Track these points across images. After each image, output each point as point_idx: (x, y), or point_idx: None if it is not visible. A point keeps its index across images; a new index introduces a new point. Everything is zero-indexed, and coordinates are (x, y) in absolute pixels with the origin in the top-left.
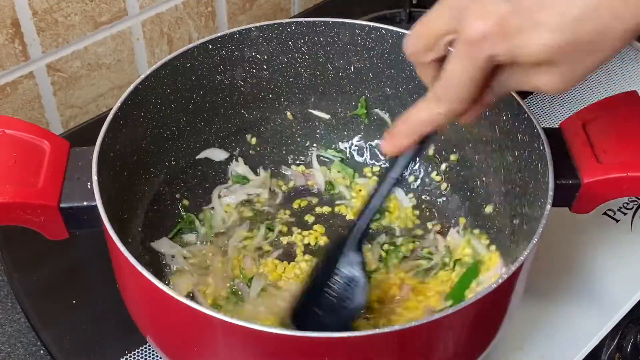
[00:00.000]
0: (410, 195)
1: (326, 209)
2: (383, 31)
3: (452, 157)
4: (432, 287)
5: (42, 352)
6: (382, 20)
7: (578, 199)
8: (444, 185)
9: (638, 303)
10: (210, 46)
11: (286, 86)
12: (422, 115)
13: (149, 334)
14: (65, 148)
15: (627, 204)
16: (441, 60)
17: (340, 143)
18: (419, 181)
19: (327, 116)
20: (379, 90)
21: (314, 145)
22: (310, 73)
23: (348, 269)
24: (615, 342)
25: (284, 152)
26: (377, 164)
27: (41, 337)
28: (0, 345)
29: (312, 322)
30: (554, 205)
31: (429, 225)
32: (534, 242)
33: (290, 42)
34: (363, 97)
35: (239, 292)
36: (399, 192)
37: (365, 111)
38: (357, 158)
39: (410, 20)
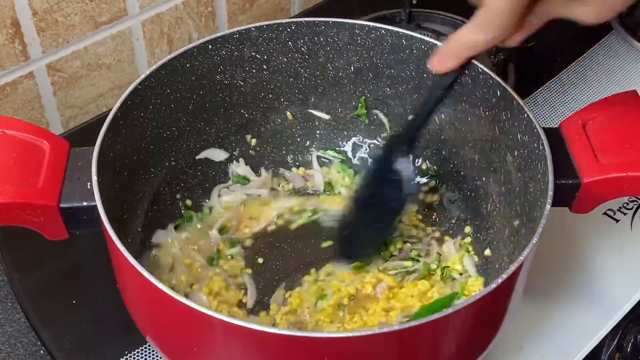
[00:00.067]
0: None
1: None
2: (383, 31)
3: (452, 157)
4: (403, 296)
5: (42, 352)
6: (382, 20)
7: (578, 199)
8: (443, 186)
9: (638, 303)
10: (210, 46)
11: (286, 86)
12: (466, 40)
13: (149, 334)
14: (65, 148)
15: (627, 204)
16: None
17: (340, 143)
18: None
19: (327, 116)
20: (379, 90)
21: (314, 145)
22: (310, 73)
23: (401, 167)
24: (615, 342)
25: (283, 152)
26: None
27: (41, 337)
28: (0, 345)
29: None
30: (553, 205)
31: (429, 230)
32: (534, 242)
33: (290, 42)
34: (363, 97)
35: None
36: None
37: (365, 111)
38: (357, 158)
39: (410, 20)
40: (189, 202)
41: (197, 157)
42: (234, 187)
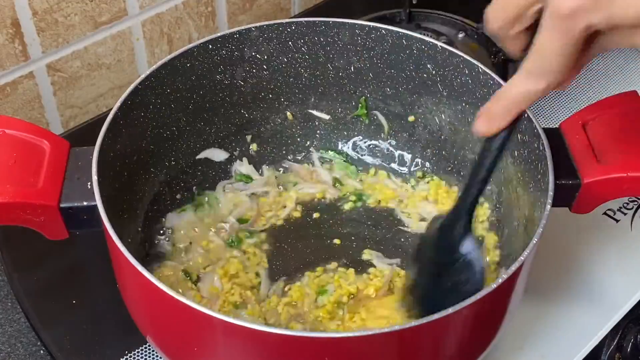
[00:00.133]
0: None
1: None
2: (383, 31)
3: (452, 157)
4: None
5: (42, 352)
6: (382, 20)
7: (578, 199)
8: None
9: (638, 303)
10: (210, 46)
11: (286, 86)
12: (517, 92)
13: (149, 334)
14: (65, 148)
15: (627, 204)
16: (529, 29)
17: (340, 143)
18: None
19: (327, 116)
20: (379, 90)
21: (314, 145)
22: (310, 73)
23: (464, 251)
24: (615, 342)
25: (284, 152)
26: (377, 164)
27: (41, 337)
28: (0, 345)
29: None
30: (553, 205)
31: None
32: (534, 242)
33: (290, 42)
34: (363, 97)
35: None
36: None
37: (366, 111)
38: (357, 159)
39: (410, 20)
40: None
41: (197, 157)
42: (237, 184)
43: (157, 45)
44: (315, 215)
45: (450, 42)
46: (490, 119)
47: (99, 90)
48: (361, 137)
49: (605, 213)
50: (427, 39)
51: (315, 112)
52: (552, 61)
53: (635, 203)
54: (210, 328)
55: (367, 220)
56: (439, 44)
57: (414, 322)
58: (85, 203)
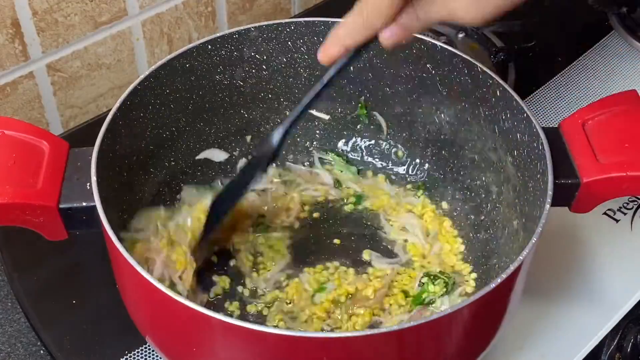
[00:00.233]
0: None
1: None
2: None
3: (452, 157)
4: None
5: (42, 352)
6: None
7: (577, 199)
8: (443, 186)
9: (638, 303)
10: (209, 46)
11: (286, 86)
12: (345, 26)
13: (148, 334)
14: (64, 148)
15: (627, 204)
16: None
17: (340, 143)
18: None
19: (326, 116)
20: (379, 90)
21: (314, 145)
22: (310, 73)
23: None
24: (615, 342)
25: (283, 152)
26: (377, 164)
27: (41, 337)
28: (0, 345)
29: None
30: (553, 204)
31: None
32: (534, 241)
33: (289, 42)
34: (363, 97)
35: None
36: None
37: (365, 111)
38: (358, 159)
39: None
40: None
41: (197, 158)
42: None
43: (157, 45)
44: (315, 215)
45: (450, 42)
46: (325, 48)
47: (99, 90)
48: (361, 137)
49: (605, 213)
50: (426, 38)
51: (315, 112)
52: (374, 2)
53: (635, 203)
54: (210, 328)
55: (366, 220)
56: (439, 43)
57: (414, 322)
58: (84, 204)
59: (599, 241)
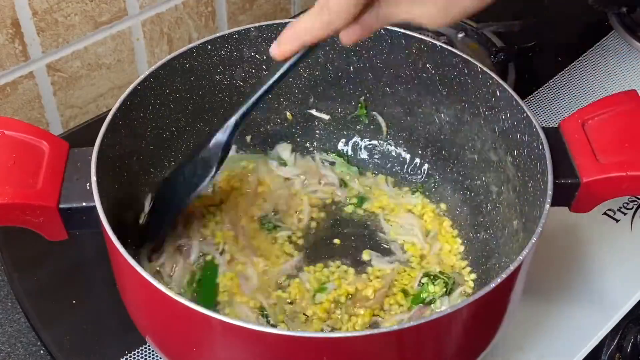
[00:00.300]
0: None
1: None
2: (382, 31)
3: (452, 157)
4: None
5: (42, 352)
6: None
7: (577, 198)
8: (442, 186)
9: (638, 303)
10: (209, 46)
11: (286, 86)
12: (305, 23)
13: (148, 334)
14: (64, 149)
15: (627, 204)
16: None
17: (340, 143)
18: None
19: (326, 116)
20: (379, 90)
21: (314, 145)
22: (310, 73)
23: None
24: (615, 342)
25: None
26: (377, 164)
27: (41, 337)
28: (0, 345)
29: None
30: (553, 204)
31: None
32: (533, 241)
33: None
34: (363, 97)
35: None
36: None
37: (365, 111)
38: (358, 159)
39: None
40: None
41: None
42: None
43: (157, 45)
44: (318, 215)
45: (449, 42)
46: (280, 44)
47: (99, 90)
48: (361, 137)
49: (605, 213)
50: (426, 38)
51: (315, 112)
52: (335, 3)
53: (635, 203)
54: (209, 328)
55: (366, 220)
56: (439, 43)
57: (414, 322)
58: (84, 204)
59: (599, 241)
